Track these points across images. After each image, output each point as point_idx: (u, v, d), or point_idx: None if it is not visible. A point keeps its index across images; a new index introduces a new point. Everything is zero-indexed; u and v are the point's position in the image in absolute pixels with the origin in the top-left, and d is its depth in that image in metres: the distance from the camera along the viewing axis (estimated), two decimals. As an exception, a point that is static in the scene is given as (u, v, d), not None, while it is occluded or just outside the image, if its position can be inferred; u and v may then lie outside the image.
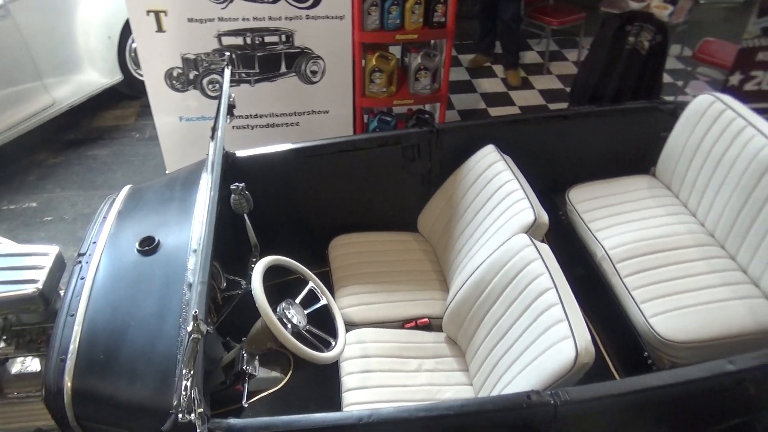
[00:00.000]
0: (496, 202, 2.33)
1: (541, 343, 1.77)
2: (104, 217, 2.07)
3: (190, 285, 1.72)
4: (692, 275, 2.16)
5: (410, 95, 3.94)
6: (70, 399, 1.55)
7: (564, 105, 5.04)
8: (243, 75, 3.71)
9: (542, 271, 1.90)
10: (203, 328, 1.30)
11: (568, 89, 5.25)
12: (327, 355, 1.80)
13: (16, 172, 4.21)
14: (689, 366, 1.66)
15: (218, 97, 2.30)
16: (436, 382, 2.14)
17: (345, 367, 2.15)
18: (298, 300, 1.90)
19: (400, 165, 2.65)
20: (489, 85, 5.34)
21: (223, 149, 2.29)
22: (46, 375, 1.61)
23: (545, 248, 2.00)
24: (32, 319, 1.97)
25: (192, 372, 1.30)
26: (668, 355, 2.03)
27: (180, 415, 1.29)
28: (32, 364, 2.12)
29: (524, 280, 1.94)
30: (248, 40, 3.59)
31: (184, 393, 1.29)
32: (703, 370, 1.63)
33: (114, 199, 2.18)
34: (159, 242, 1.89)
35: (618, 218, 2.43)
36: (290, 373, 2.32)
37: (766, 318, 2.06)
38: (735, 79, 4.28)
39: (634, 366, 2.08)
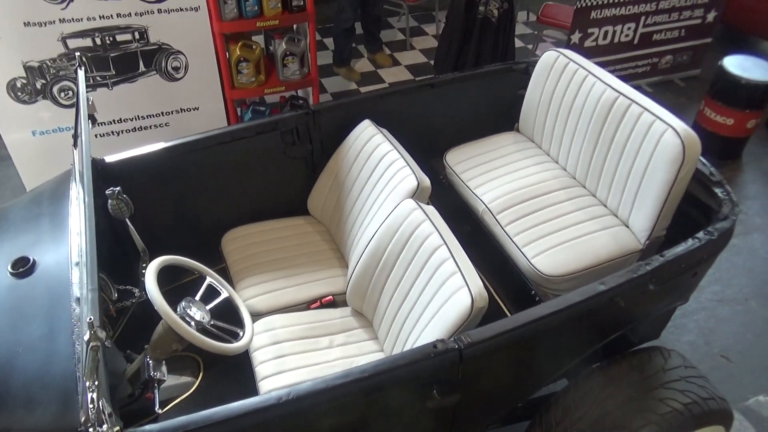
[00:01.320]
0: (379, 174, 2.41)
1: (440, 296, 1.89)
2: (-32, 243, 1.89)
3: (78, 299, 1.63)
4: (562, 215, 2.39)
5: (280, 82, 3.91)
6: (-42, 443, 1.43)
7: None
8: (98, 78, 3.49)
9: (431, 231, 2.01)
10: (101, 334, 1.24)
11: (431, 62, 5.47)
12: (237, 345, 1.79)
13: None
14: (568, 293, 1.85)
15: (75, 104, 2.16)
16: (349, 354, 2.20)
17: (257, 357, 2.15)
18: (197, 297, 1.87)
19: (281, 150, 2.65)
20: (357, 66, 5.42)
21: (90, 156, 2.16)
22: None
23: (431, 209, 2.11)
24: None
25: (96, 383, 1.25)
26: (551, 289, 2.24)
27: (91, 430, 1.24)
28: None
29: (416, 241, 2.04)
30: (98, 41, 3.37)
31: (91, 405, 1.24)
32: (580, 294, 1.83)
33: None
34: (34, 261, 1.76)
35: (492, 174, 2.61)
36: (201, 374, 2.27)
37: (627, 242, 2.33)
38: (575, 37, 4.70)
39: (523, 304, 2.27)
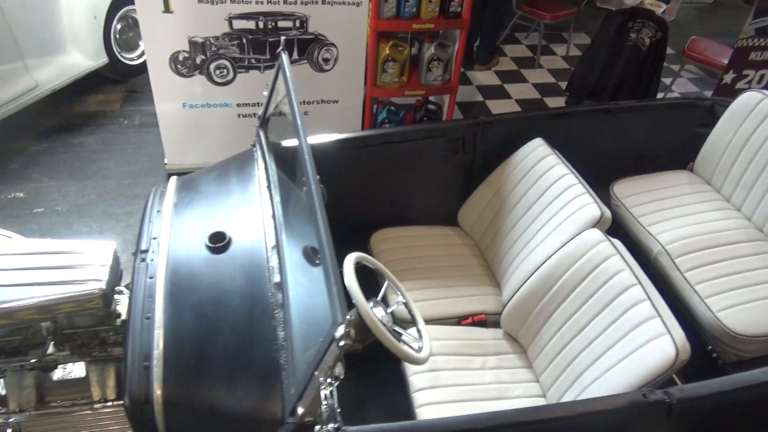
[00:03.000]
0: (552, 197, 2.31)
1: (631, 340, 1.76)
2: (158, 211, 1.92)
3: (277, 284, 1.62)
4: (751, 270, 2.21)
5: (421, 86, 3.88)
6: (162, 409, 1.42)
7: (557, 99, 5.10)
8: (253, 61, 3.55)
9: (623, 267, 1.89)
10: (352, 333, 1.20)
11: (560, 83, 5.32)
12: (422, 356, 1.73)
13: (-5, 160, 3.89)
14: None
15: (271, 87, 2.17)
16: (503, 380, 2.11)
17: (410, 367, 2.09)
18: (379, 297, 1.82)
19: (443, 157, 2.59)
20: (483, 77, 5.33)
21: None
22: (128, 384, 1.47)
23: (619, 243, 1.99)
24: (84, 322, 1.81)
25: (329, 380, 1.21)
26: (735, 348, 2.07)
27: (318, 426, 1.20)
28: (75, 369, 1.95)
29: (602, 275, 1.93)
30: (260, 25, 3.43)
31: (325, 402, 1.20)
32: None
33: (162, 191, 2.03)
34: (230, 239, 1.76)
35: (667, 213, 2.45)
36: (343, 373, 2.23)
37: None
38: (728, 77, 4.43)
39: (696, 361, 2.11)
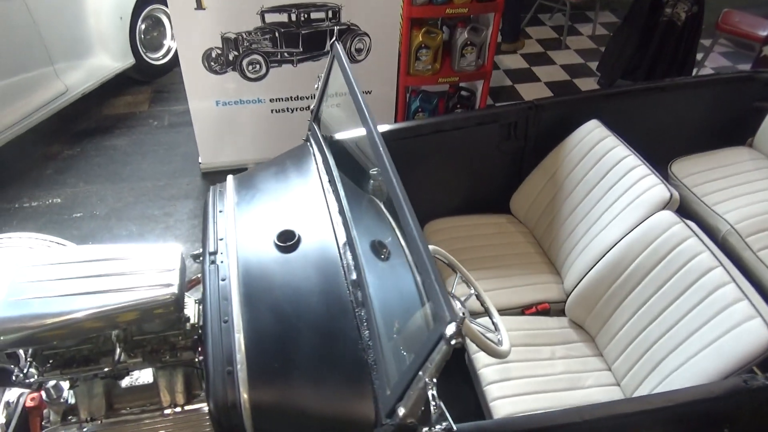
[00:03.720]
0: (614, 180, 2.24)
1: (718, 325, 1.70)
2: (220, 211, 1.88)
3: (355, 282, 1.57)
4: (827, 246, 2.15)
5: (454, 72, 3.80)
6: (250, 413, 1.39)
7: (587, 80, 5.00)
8: (286, 54, 3.50)
9: (701, 249, 1.82)
10: (464, 332, 1.16)
11: (588, 64, 5.21)
12: (504, 349, 1.68)
13: (31, 167, 3.88)
14: None
15: (324, 79, 2.12)
16: (573, 370, 2.06)
17: (479, 359, 2.04)
18: (452, 291, 1.78)
19: (494, 144, 2.53)
20: (510, 61, 5.24)
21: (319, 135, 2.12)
22: (212, 390, 1.44)
23: (693, 225, 1.93)
24: (154, 328, 1.78)
25: (435, 380, 1.17)
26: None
27: (426, 429, 1.16)
28: (142, 376, 1.93)
29: (679, 258, 1.86)
30: (293, 17, 3.38)
31: (433, 403, 1.16)
32: None
33: (221, 191, 1.99)
34: (299, 237, 1.72)
35: (731, 191, 2.38)
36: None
37: None
38: (768, 49, 4.31)
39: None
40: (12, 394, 1.87)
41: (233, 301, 1.56)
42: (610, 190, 2.23)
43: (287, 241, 1.70)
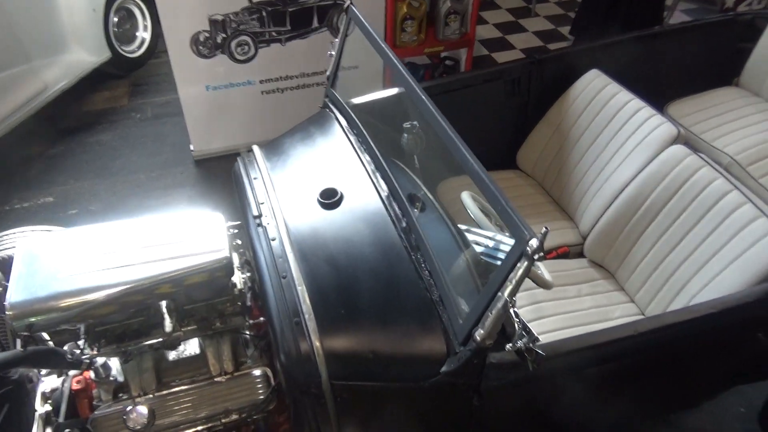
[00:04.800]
0: (620, 124, 2.34)
1: (740, 242, 1.82)
2: (254, 178, 1.90)
3: (404, 230, 1.63)
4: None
5: (439, 42, 3.86)
6: (324, 360, 1.43)
7: (561, 44, 5.13)
8: (274, 34, 3.49)
9: (716, 176, 1.94)
10: (541, 252, 1.23)
11: (559, 29, 5.34)
12: (551, 280, 1.76)
13: (14, 169, 3.77)
14: None
15: (339, 47, 2.15)
16: (601, 304, 2.17)
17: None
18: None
19: (500, 101, 2.61)
20: (485, 31, 5.32)
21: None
22: (281, 342, 1.47)
23: (704, 156, 2.04)
24: (203, 296, 1.80)
25: (515, 299, 1.24)
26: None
27: (518, 342, 1.23)
28: (188, 347, 1.95)
29: (695, 187, 1.98)
30: (279, -5, 3.37)
31: (517, 320, 1.23)
32: None
33: (249, 160, 2.00)
34: (342, 194, 1.76)
35: (726, 127, 2.52)
36: None
37: None
38: (730, 0, 4.50)
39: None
40: (56, 379, 1.86)
41: (289, 257, 1.60)
42: (617, 133, 2.34)
43: (330, 198, 1.74)
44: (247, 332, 1.88)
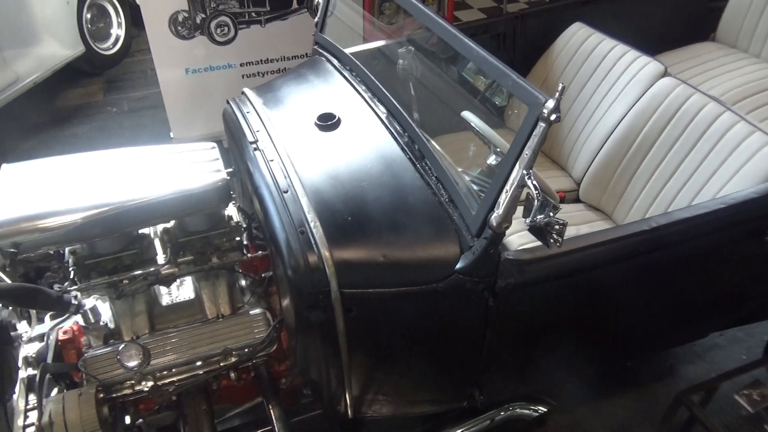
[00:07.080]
0: (606, 70, 2.37)
1: (736, 158, 1.83)
2: (248, 112, 1.85)
3: (407, 143, 1.60)
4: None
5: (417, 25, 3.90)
6: (333, 269, 1.36)
7: (518, 5, 5.30)
8: (253, 15, 3.48)
9: (707, 101, 1.96)
10: (558, 113, 1.20)
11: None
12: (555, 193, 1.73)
13: (-15, 162, 3.64)
14: None
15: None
16: (600, 241, 2.15)
17: (513, 242, 2.10)
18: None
19: (486, 57, 2.61)
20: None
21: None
22: (287, 254, 1.41)
23: (693, 84, 2.07)
24: (198, 227, 1.73)
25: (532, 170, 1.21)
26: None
27: (537, 217, 1.19)
28: (182, 292, 1.86)
29: (687, 114, 2.00)
30: (258, -25, 3.37)
31: (536, 192, 1.19)
32: None
33: (241, 99, 1.96)
34: (339, 117, 1.72)
35: (709, 74, 2.57)
36: None
37: None
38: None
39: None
40: (43, 327, 1.75)
41: (290, 173, 1.55)
42: (605, 78, 2.36)
43: (328, 120, 1.70)
44: (244, 272, 1.81)
